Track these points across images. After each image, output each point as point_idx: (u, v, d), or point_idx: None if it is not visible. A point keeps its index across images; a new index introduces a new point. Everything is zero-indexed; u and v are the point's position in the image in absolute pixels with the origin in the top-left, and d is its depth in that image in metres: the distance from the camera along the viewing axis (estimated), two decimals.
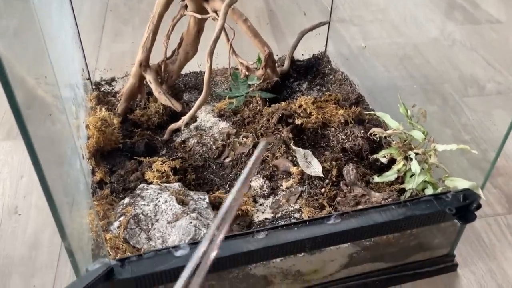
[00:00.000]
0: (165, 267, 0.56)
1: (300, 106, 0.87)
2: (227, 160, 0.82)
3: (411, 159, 0.73)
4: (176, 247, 0.57)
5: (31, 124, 0.44)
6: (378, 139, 0.81)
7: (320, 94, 1.00)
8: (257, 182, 0.77)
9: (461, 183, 0.67)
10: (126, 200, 0.68)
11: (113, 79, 1.03)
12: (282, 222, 0.70)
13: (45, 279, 0.74)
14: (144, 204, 0.67)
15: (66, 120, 0.62)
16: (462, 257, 0.78)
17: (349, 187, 0.72)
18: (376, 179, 0.74)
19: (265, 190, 0.76)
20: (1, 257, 0.77)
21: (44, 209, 0.84)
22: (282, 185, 0.77)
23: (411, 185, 0.70)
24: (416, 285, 0.74)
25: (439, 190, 0.69)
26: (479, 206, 0.65)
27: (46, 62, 0.48)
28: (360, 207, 0.69)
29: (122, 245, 0.62)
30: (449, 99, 1.15)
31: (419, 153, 0.73)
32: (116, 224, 0.64)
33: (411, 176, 0.72)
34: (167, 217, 0.65)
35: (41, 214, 0.84)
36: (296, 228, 0.61)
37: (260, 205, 0.75)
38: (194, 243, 0.58)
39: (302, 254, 0.64)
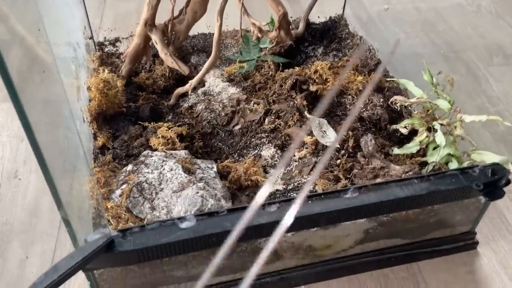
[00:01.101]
0: (170, 239, 0.52)
1: (316, 71, 0.81)
2: (237, 127, 0.78)
3: (435, 130, 0.68)
4: (181, 218, 0.54)
5: (22, 82, 0.39)
6: (398, 109, 0.75)
7: (336, 59, 0.94)
8: (268, 152, 0.73)
9: (489, 157, 0.62)
10: (129, 167, 0.64)
11: (117, 40, 0.98)
12: (294, 194, 0.66)
13: (46, 247, 0.71)
14: (148, 172, 0.63)
15: (61, 80, 0.57)
16: (483, 235, 0.73)
17: (367, 159, 0.67)
18: (396, 151, 0.69)
19: (277, 160, 0.72)
20: (0, 223, 0.74)
21: None
22: (294, 155, 0.72)
23: (434, 158, 0.65)
24: (434, 263, 0.71)
25: (464, 164, 0.64)
26: (508, 182, 0.60)
27: (35, 13, 0.43)
28: (378, 180, 0.65)
29: (124, 214, 0.59)
30: (473, 68, 1.09)
31: (444, 124, 0.68)
32: (118, 192, 0.60)
33: (434, 148, 0.67)
34: (172, 186, 0.61)
35: (41, 180, 0.80)
36: (310, 202, 0.57)
37: (271, 176, 0.71)
38: (200, 214, 0.54)
39: (315, 228, 0.60)
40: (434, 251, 0.70)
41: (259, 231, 0.55)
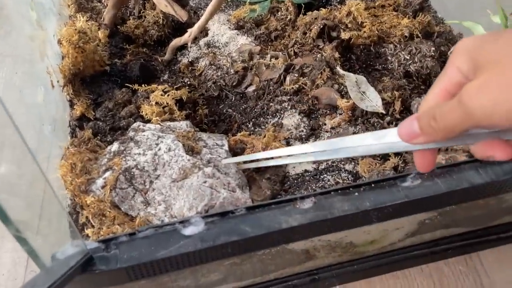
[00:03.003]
0: (170, 253, 0.38)
1: (349, 13, 0.64)
2: (250, 89, 0.62)
3: None
4: (185, 222, 0.39)
5: None
6: None
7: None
8: (292, 120, 0.58)
9: None
10: (115, 146, 0.49)
11: None
12: (328, 177, 0.51)
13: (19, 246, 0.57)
14: (139, 153, 0.48)
15: (22, 31, 0.41)
16: None
17: None
18: None
19: (302, 131, 0.57)
20: None
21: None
22: (325, 124, 0.57)
23: None
24: (498, 253, 0.57)
25: None
26: None
27: None
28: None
29: (110, 211, 0.45)
30: None
31: None
32: (100, 182, 0.46)
33: None
34: (171, 172, 0.46)
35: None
36: (356, 193, 0.42)
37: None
38: (210, 216, 0.40)
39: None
40: (501, 239, 0.57)
41: (290, 236, 0.41)
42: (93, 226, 0.44)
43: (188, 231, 0.39)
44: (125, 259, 0.38)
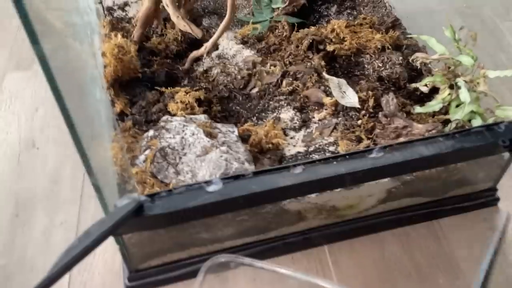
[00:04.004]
0: (197, 203, 0.52)
1: (333, 30, 0.79)
2: (254, 90, 0.77)
3: (458, 87, 0.67)
4: (208, 182, 0.54)
5: (47, 50, 0.38)
6: (418, 67, 0.74)
7: (350, 18, 0.91)
8: (287, 114, 0.72)
9: None
10: (151, 132, 0.64)
11: (126, 4, 0.95)
12: (316, 156, 0.66)
13: (69, 214, 0.72)
14: (170, 137, 0.62)
15: (81, 46, 0.56)
16: (503, 191, 0.74)
17: (388, 119, 0.66)
18: (418, 109, 0.68)
19: (296, 123, 0.71)
20: (23, 191, 0.74)
21: (62, 142, 0.81)
22: (314, 117, 0.72)
23: (458, 115, 0.64)
24: (454, 221, 0.71)
25: (490, 121, 0.63)
26: None
27: None
28: (401, 139, 0.64)
29: (149, 179, 0.59)
30: (489, 23, 1.06)
31: (467, 80, 0.67)
32: (141, 157, 0.60)
33: (457, 106, 0.67)
34: (195, 150, 0.61)
35: (59, 148, 0.81)
36: (335, 162, 0.56)
37: (291, 138, 0.70)
38: (226, 178, 0.54)
39: (339, 189, 0.60)
40: (455, 209, 0.71)
41: (285, 193, 0.55)
42: (137, 190, 0.58)
43: (210, 188, 0.54)
44: (166, 207, 0.52)
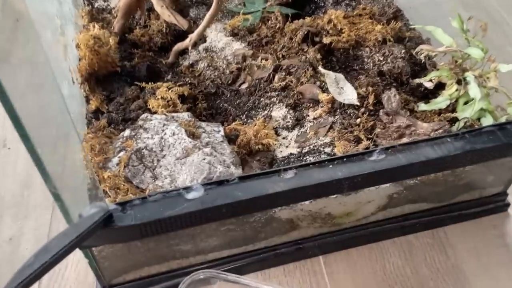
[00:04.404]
0: (175, 212, 0.46)
1: (330, 21, 0.73)
2: (243, 86, 0.70)
3: (466, 83, 0.61)
4: (187, 188, 0.48)
5: None
6: (422, 60, 0.68)
7: (349, 9, 0.85)
8: (279, 112, 0.66)
9: None
10: (127, 132, 0.57)
11: None
12: (310, 158, 0.60)
13: (40, 221, 0.65)
14: (148, 137, 0.56)
15: (46, 37, 0.49)
16: None
17: (390, 117, 0.60)
18: (423, 106, 0.62)
19: (289, 121, 0.65)
20: None
21: None
22: (308, 115, 0.65)
23: (466, 113, 0.58)
24: (461, 228, 0.65)
25: (502, 119, 0.57)
26: None
27: None
28: (404, 140, 0.58)
29: (123, 185, 0.53)
30: (495, 16, 1.00)
31: (476, 75, 0.61)
32: (115, 160, 0.54)
33: (465, 103, 0.61)
34: (175, 152, 0.54)
35: None
36: (331, 166, 0.50)
37: (284, 138, 0.64)
38: (208, 184, 0.48)
39: (335, 195, 0.54)
40: (462, 215, 0.65)
41: (275, 200, 0.49)
42: (109, 196, 0.52)
43: (190, 195, 0.48)
44: (139, 217, 0.46)
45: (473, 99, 0.59)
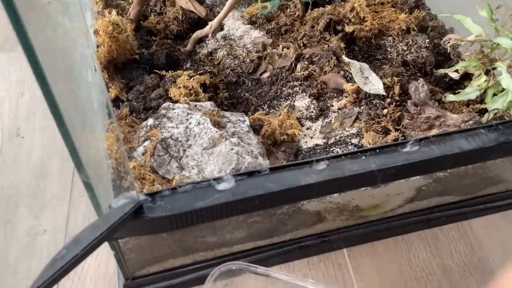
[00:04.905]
0: (206, 203, 0.45)
1: (352, 9, 0.71)
2: (265, 75, 0.69)
3: (494, 74, 0.60)
4: (218, 179, 0.46)
5: (31, 29, 0.30)
6: (448, 50, 0.66)
7: None
8: (302, 102, 0.65)
9: None
10: (150, 121, 0.56)
11: None
12: (337, 149, 0.58)
13: (58, 212, 0.64)
14: (173, 127, 0.55)
15: (71, 24, 0.48)
16: None
17: (418, 107, 0.59)
18: (451, 97, 0.61)
19: (312, 112, 0.64)
20: (5, 187, 0.66)
21: (50, 131, 0.73)
22: (333, 105, 0.64)
23: (497, 104, 0.57)
24: (487, 221, 0.64)
25: None
26: None
27: None
28: (434, 131, 0.57)
29: (149, 175, 0.51)
30: None
31: (505, 66, 0.59)
32: (140, 150, 0.52)
33: (495, 94, 0.59)
34: (201, 142, 0.53)
35: (47, 138, 0.72)
36: (363, 157, 0.49)
37: (307, 129, 0.63)
38: (239, 174, 0.47)
39: (365, 187, 0.53)
40: (487, 208, 0.64)
41: (307, 192, 0.48)
42: (135, 187, 0.50)
43: (221, 186, 0.46)
44: (169, 209, 0.44)
45: (503, 90, 0.58)
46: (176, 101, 0.61)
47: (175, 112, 0.57)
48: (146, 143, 0.53)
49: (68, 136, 0.35)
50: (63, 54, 0.43)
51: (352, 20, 0.71)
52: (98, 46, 0.65)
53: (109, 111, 0.60)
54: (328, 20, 0.71)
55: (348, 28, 0.70)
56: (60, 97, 0.34)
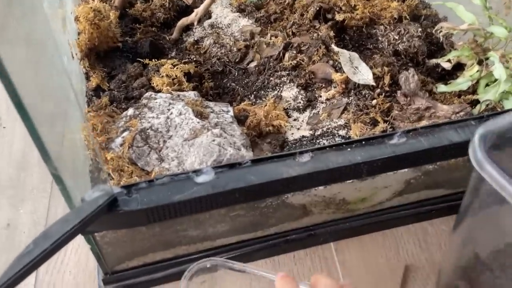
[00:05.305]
0: (184, 197, 0.43)
1: None
2: (252, 64, 0.67)
3: (487, 64, 0.58)
4: (197, 171, 0.44)
5: None
6: (441, 39, 0.65)
7: None
8: (290, 92, 0.63)
9: None
10: (130, 111, 0.54)
11: None
12: (324, 141, 0.57)
13: (38, 204, 0.62)
14: (153, 117, 0.53)
15: (42, 9, 0.46)
16: None
17: (408, 98, 0.57)
18: (442, 88, 0.59)
19: (300, 102, 0.62)
20: None
21: None
22: (321, 96, 0.62)
23: (489, 95, 0.55)
24: None
25: None
26: None
27: None
28: (423, 123, 0.55)
29: (128, 167, 0.49)
30: None
31: (498, 55, 0.58)
32: (118, 141, 0.50)
33: (487, 84, 0.58)
34: (182, 133, 0.51)
35: None
36: (349, 149, 0.47)
37: (295, 120, 0.61)
38: (219, 166, 0.45)
39: (351, 180, 0.52)
40: None
41: (290, 185, 0.46)
42: (113, 179, 0.48)
43: (200, 179, 0.44)
44: (145, 202, 0.43)
45: (495, 81, 0.56)
46: (159, 91, 0.59)
47: (156, 102, 0.55)
48: (124, 134, 0.51)
49: (31, 124, 0.33)
50: (29, 40, 0.41)
51: (343, 8, 0.69)
52: (79, 34, 0.63)
53: (88, 100, 0.58)
54: (318, 8, 0.69)
55: (339, 17, 0.68)
56: (24, 87, 0.32)
